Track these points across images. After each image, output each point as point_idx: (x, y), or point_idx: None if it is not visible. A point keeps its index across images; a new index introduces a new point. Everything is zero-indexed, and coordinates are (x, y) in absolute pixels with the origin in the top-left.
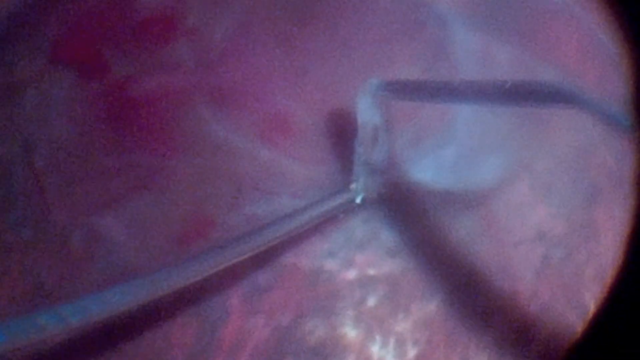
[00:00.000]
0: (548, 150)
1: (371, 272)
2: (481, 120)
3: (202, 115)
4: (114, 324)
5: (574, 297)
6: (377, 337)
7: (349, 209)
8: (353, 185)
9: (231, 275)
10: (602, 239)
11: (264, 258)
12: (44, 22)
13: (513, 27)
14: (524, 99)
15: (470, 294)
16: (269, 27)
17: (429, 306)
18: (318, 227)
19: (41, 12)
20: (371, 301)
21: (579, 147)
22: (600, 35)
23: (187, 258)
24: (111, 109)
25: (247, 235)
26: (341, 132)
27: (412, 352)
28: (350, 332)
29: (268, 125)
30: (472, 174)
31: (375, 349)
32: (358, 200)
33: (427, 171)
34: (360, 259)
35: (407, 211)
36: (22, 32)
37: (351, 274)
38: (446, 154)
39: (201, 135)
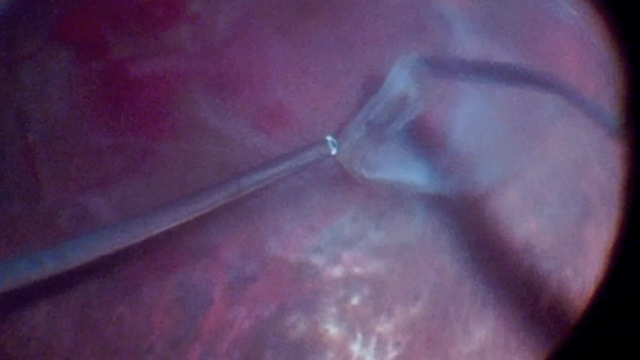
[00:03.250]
0: (542, 161)
1: (357, 270)
2: (477, 127)
3: (198, 101)
4: (95, 303)
5: (557, 310)
6: (359, 336)
7: (324, 160)
8: (329, 137)
9: (216, 263)
10: (589, 255)
11: (250, 248)
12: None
13: (515, 33)
14: (546, 86)
15: (455, 300)
16: (272, 18)
17: (412, 309)
18: (306, 220)
19: None
20: (355, 300)
21: (572, 161)
22: (599, 47)
23: (163, 205)
24: (108, 89)
25: (223, 183)
26: (335, 124)
27: (392, 353)
28: (332, 330)
29: (263, 114)
30: (464, 181)
31: (355, 348)
32: (333, 152)
33: (419, 175)
34: (347, 257)
35: (396, 213)
36: (25, 9)
37: (337, 271)
38: (440, 159)
39: (194, 121)
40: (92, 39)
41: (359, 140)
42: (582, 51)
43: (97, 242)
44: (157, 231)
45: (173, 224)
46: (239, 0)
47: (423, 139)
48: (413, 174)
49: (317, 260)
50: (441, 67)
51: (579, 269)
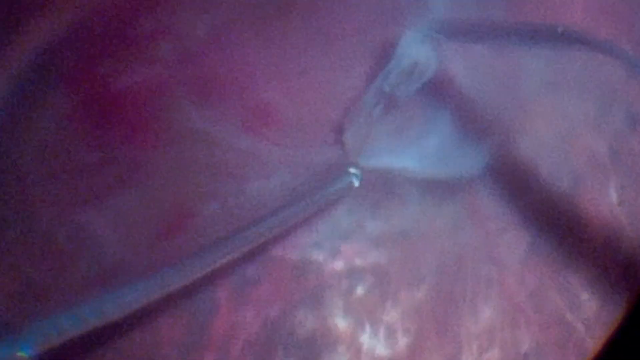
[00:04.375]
0: (530, 137)
1: (358, 261)
2: (463, 108)
3: (184, 108)
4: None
5: (563, 284)
6: (367, 327)
7: (348, 193)
8: (352, 169)
9: (218, 269)
10: (588, 225)
11: (251, 251)
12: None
13: None
14: (572, 42)
15: (458, 281)
16: (250, 20)
17: (417, 294)
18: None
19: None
20: (359, 291)
21: (561, 134)
22: None
23: (201, 248)
24: (91, 104)
25: (244, 229)
26: (323, 120)
27: (403, 340)
28: (340, 323)
29: (251, 115)
30: (456, 163)
31: (365, 338)
32: (356, 184)
33: (410, 160)
34: (347, 250)
35: (391, 201)
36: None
37: (338, 265)
38: (429, 143)
39: (182, 128)
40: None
41: (371, 118)
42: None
43: (132, 295)
44: (190, 280)
45: (208, 270)
46: (216, 7)
47: (410, 123)
48: (403, 160)
49: (318, 255)
50: (454, 31)
51: (580, 240)
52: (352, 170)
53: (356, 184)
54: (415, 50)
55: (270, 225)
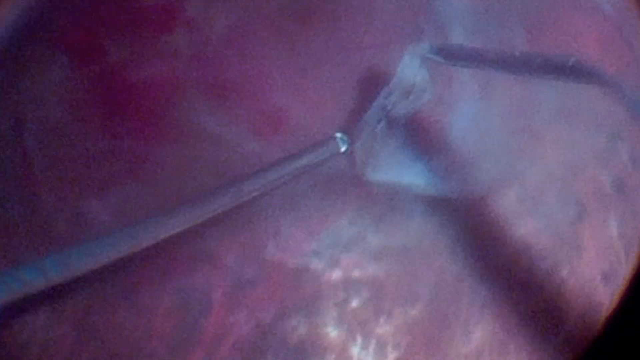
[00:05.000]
0: (538, 163)
1: (356, 273)
2: (475, 128)
3: (195, 106)
4: (96, 308)
5: (555, 311)
6: (358, 339)
7: (333, 157)
8: (338, 134)
9: (215, 267)
10: (584, 256)
11: (250, 252)
12: (51, 13)
13: (521, 15)
14: (565, 74)
15: (454, 301)
16: (269, 23)
17: (411, 311)
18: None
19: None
20: (354, 303)
21: (569, 163)
22: (621, 27)
23: (165, 210)
24: (105, 94)
25: (227, 186)
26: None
27: (392, 355)
28: (332, 332)
29: (261, 118)
30: (462, 182)
31: (355, 350)
32: (343, 149)
33: (418, 177)
34: (346, 260)
35: (394, 215)
36: (29, 21)
37: (336, 275)
38: (437, 162)
39: (192, 126)
40: (88, 43)
41: (375, 132)
42: (603, 31)
43: (100, 249)
44: (160, 237)
45: (177, 230)
46: (235, 5)
47: (421, 140)
48: (411, 176)
49: (316, 264)
50: (453, 55)
51: (575, 270)
52: (339, 135)
53: (342, 148)
54: (414, 72)
55: (259, 182)
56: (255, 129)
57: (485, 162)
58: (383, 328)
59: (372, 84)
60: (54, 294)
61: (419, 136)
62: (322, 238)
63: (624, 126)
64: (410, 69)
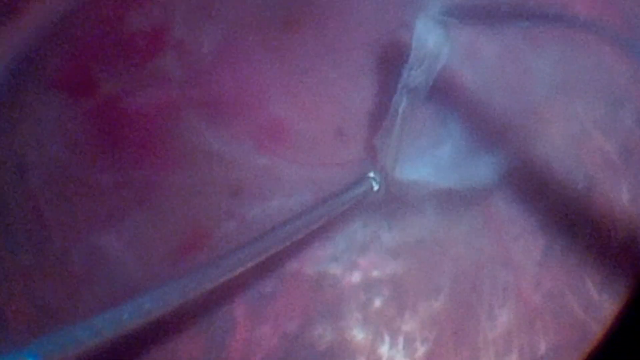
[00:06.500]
0: (543, 141)
1: (375, 274)
2: (475, 116)
3: (195, 127)
4: (120, 342)
5: (578, 285)
6: (386, 338)
7: (367, 197)
8: (371, 174)
9: (235, 285)
10: (601, 225)
11: (267, 265)
12: (45, 55)
13: None
14: (576, 25)
15: (476, 288)
16: (257, 34)
17: (435, 303)
18: (321, 232)
19: (45, 46)
20: (377, 302)
21: (573, 136)
22: None
23: (220, 258)
24: (103, 127)
25: (265, 235)
26: (336, 134)
27: (421, 349)
28: (359, 335)
29: (263, 132)
30: (470, 171)
31: (384, 349)
32: (376, 188)
33: (424, 170)
34: (364, 262)
35: (406, 211)
36: (26, 63)
37: (355, 277)
38: (443, 152)
39: (194, 147)
40: (80, 78)
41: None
42: None
43: (150, 303)
44: (206, 288)
45: (221, 280)
46: (220, 21)
47: (422, 133)
48: (418, 170)
49: (335, 269)
50: (467, 14)
51: (590, 244)
52: (372, 174)
53: (375, 187)
54: (429, 36)
55: (289, 232)
56: (259, 144)
57: (490, 148)
58: (409, 324)
59: (366, 80)
60: None
61: (421, 129)
62: (337, 243)
63: (626, 92)
64: (425, 34)
